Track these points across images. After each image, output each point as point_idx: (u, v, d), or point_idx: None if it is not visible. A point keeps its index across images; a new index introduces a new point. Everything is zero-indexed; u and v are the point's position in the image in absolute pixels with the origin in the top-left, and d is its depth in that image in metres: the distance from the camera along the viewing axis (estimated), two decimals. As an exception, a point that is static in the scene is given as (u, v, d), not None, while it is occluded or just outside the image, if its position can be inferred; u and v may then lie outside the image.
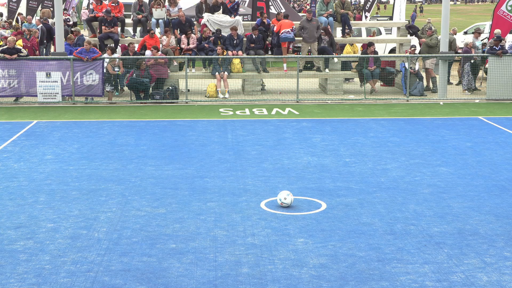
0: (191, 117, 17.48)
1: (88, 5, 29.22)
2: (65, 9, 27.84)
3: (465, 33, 30.62)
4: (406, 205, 10.18)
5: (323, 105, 19.42)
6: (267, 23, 21.72)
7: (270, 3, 27.46)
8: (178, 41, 21.00)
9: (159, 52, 20.13)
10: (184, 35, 20.87)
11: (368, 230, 9.10)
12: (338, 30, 23.30)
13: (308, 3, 47.01)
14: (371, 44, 21.14)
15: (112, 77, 19.71)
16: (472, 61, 21.00)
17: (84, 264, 7.92)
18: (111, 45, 20.68)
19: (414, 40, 24.15)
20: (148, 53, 20.13)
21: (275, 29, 21.11)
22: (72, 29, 21.50)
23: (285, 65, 21.57)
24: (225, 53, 20.46)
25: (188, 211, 9.88)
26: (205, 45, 20.61)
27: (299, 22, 21.84)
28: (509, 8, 22.26)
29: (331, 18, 22.08)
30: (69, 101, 19.51)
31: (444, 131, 15.59)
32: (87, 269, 7.78)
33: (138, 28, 22.29)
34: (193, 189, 11.01)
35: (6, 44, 19.63)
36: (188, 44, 20.77)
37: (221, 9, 22.20)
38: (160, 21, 21.74)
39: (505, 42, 21.33)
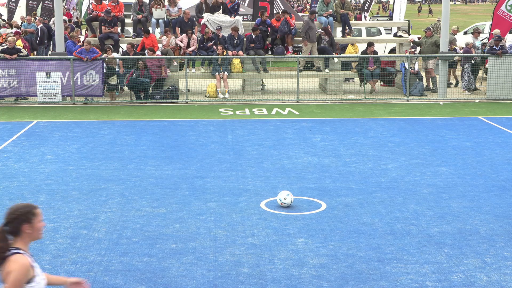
0: (191, 117, 17.48)
1: (88, 5, 29.24)
2: (67, 10, 27.85)
3: (465, 33, 30.62)
4: (406, 205, 10.18)
5: (323, 105, 19.42)
6: (268, 23, 21.72)
7: (273, 4, 27.45)
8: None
9: (158, 53, 20.12)
10: (184, 35, 20.84)
11: (368, 230, 9.10)
12: (338, 30, 23.29)
13: (308, 2, 46.97)
14: (371, 44, 21.13)
15: (114, 75, 19.71)
16: (472, 61, 21.00)
17: (84, 264, 7.93)
18: (111, 44, 20.69)
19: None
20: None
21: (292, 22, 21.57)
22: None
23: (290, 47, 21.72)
24: (225, 53, 20.46)
25: (188, 211, 9.88)
26: (209, 44, 20.59)
27: (302, 22, 21.83)
28: (508, 8, 22.25)
29: (331, 18, 22.08)
30: (69, 101, 19.52)
31: (444, 131, 15.59)
32: (87, 269, 7.79)
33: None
34: (193, 189, 11.01)
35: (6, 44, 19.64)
36: (189, 44, 20.75)
37: (221, 9, 22.20)
38: (160, 21, 21.74)
39: (505, 41, 21.30)
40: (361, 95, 20.48)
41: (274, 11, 24.67)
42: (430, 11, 70.63)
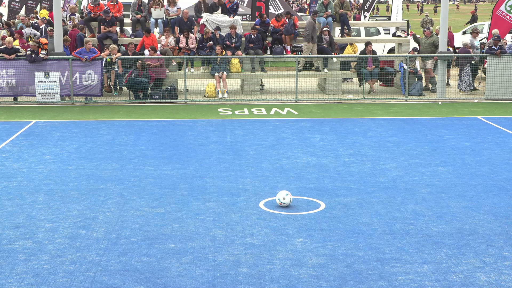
0: (190, 117, 17.48)
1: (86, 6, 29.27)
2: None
3: (464, 33, 30.65)
4: (405, 205, 10.18)
5: (322, 105, 19.43)
6: (267, 22, 21.73)
7: (269, 3, 27.45)
8: (177, 41, 20.99)
9: (157, 52, 20.11)
10: (182, 35, 20.85)
11: (367, 230, 9.10)
12: (337, 30, 23.29)
13: (307, 2, 46.96)
14: (368, 43, 21.14)
15: (112, 72, 19.73)
16: (473, 62, 20.99)
17: (83, 264, 7.92)
18: (110, 44, 20.67)
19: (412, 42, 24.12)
20: (147, 53, 20.14)
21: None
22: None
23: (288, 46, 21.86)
24: (223, 53, 20.45)
25: (187, 211, 9.88)
26: (208, 44, 20.59)
27: (306, 22, 21.83)
28: (508, 8, 22.24)
29: (330, 18, 22.08)
30: (68, 101, 19.51)
31: (443, 131, 15.60)
32: (85, 269, 7.78)
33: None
34: (192, 189, 11.01)
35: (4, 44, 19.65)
36: (187, 44, 20.75)
37: (220, 9, 22.20)
38: (159, 21, 21.73)
39: (506, 42, 21.28)
40: (360, 95, 20.49)
41: (270, 11, 24.70)
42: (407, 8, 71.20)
